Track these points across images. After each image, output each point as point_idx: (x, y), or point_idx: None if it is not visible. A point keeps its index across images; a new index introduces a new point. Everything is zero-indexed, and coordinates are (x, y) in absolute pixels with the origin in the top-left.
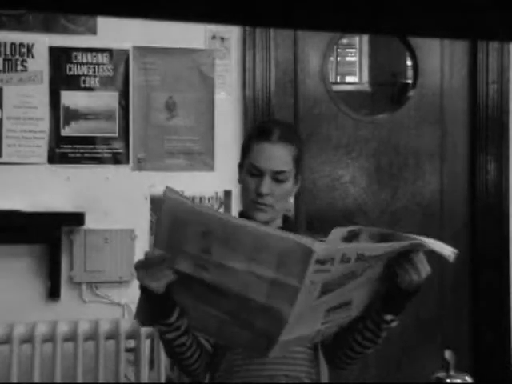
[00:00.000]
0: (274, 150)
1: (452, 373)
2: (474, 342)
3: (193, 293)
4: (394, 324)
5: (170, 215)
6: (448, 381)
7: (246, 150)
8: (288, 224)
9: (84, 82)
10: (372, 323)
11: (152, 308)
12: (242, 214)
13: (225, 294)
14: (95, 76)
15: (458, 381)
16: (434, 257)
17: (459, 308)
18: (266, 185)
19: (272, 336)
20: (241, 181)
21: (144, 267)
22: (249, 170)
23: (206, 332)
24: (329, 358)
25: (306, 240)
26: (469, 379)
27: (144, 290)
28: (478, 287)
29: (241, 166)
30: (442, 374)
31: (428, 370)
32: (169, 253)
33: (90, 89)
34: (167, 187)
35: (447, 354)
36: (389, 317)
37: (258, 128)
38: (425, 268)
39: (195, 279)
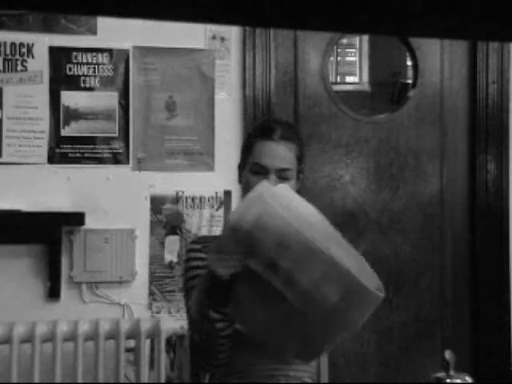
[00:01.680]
0: (277, 149)
1: (452, 373)
2: (474, 342)
3: (254, 290)
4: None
5: (257, 213)
6: (448, 381)
7: (248, 149)
8: None
9: (84, 81)
10: None
11: (213, 294)
12: None
13: (286, 302)
14: (95, 76)
15: (458, 381)
16: (434, 256)
17: (459, 308)
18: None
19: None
20: (243, 180)
21: (217, 252)
22: (252, 168)
23: (250, 328)
24: None
25: (374, 284)
26: (469, 379)
27: (209, 275)
28: (478, 287)
29: (242, 165)
30: (441, 374)
31: (428, 369)
32: (245, 245)
33: (90, 89)
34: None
35: (447, 353)
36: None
37: (260, 127)
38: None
39: (261, 279)
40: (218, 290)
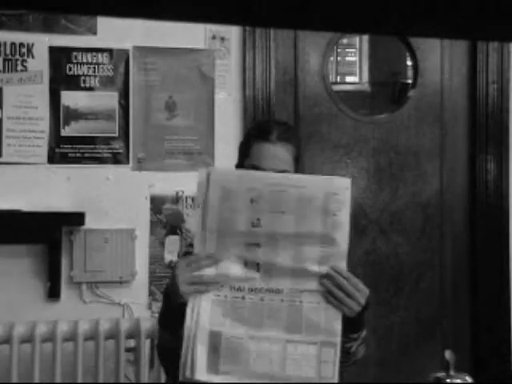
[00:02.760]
0: (274, 150)
1: (452, 373)
2: (474, 342)
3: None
4: (362, 335)
5: (218, 189)
6: (448, 381)
7: (245, 150)
8: None
9: (84, 81)
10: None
11: (174, 315)
12: None
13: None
14: (95, 76)
15: (458, 381)
16: (434, 256)
17: (459, 308)
18: None
19: None
20: None
21: (189, 271)
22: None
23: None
24: None
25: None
26: (469, 379)
27: (172, 293)
28: (478, 287)
29: (240, 166)
30: (441, 374)
31: (427, 370)
32: (219, 236)
33: (90, 89)
34: (211, 168)
35: (447, 353)
36: (351, 335)
37: (257, 128)
38: (362, 292)
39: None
40: (171, 310)
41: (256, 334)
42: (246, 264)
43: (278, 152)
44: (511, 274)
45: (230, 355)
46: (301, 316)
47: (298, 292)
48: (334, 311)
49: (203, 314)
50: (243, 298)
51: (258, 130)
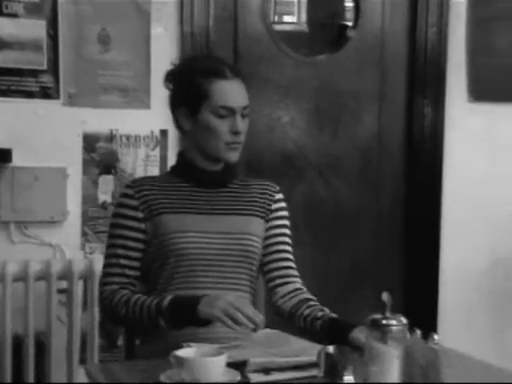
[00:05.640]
0: (236, 87)
1: (388, 314)
2: (406, 284)
3: None
4: None
5: None
6: (384, 322)
7: (200, 92)
8: (228, 166)
9: (7, 7)
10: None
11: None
12: (182, 156)
13: None
14: (19, 1)
15: (394, 322)
16: (371, 199)
17: (394, 251)
18: (240, 122)
19: None
20: (202, 125)
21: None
22: (216, 112)
23: None
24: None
25: None
26: (404, 320)
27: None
28: (413, 230)
29: (195, 112)
30: (378, 316)
31: (361, 311)
32: None
33: (13, 15)
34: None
35: (384, 295)
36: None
37: (206, 67)
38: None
39: None
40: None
41: None
42: None
43: (238, 87)
44: (443, 217)
45: None
46: None
47: None
48: None
49: None
50: None
51: (208, 70)
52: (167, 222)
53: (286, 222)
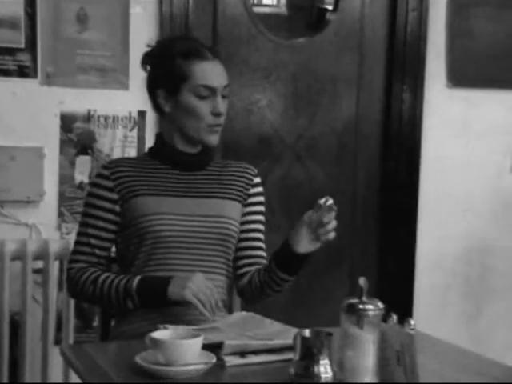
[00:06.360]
0: (216, 67)
1: (364, 299)
2: (381, 269)
3: None
4: (289, 283)
5: None
6: (361, 306)
7: (181, 73)
8: (206, 149)
9: None
10: (271, 278)
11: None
12: (160, 137)
13: None
14: None
15: (370, 306)
16: (347, 183)
17: (368, 235)
18: (221, 103)
19: None
20: (183, 106)
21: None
22: (197, 92)
23: None
24: (241, 295)
25: None
26: (380, 304)
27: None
28: (388, 214)
29: (175, 92)
30: (354, 300)
31: (336, 295)
32: None
33: None
34: None
35: (361, 280)
36: (285, 276)
37: (184, 49)
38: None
39: None
40: (158, 302)
41: None
42: None
43: (218, 68)
44: (419, 202)
45: None
46: None
47: None
48: None
49: None
50: None
51: (186, 51)
52: (144, 203)
53: (262, 209)
